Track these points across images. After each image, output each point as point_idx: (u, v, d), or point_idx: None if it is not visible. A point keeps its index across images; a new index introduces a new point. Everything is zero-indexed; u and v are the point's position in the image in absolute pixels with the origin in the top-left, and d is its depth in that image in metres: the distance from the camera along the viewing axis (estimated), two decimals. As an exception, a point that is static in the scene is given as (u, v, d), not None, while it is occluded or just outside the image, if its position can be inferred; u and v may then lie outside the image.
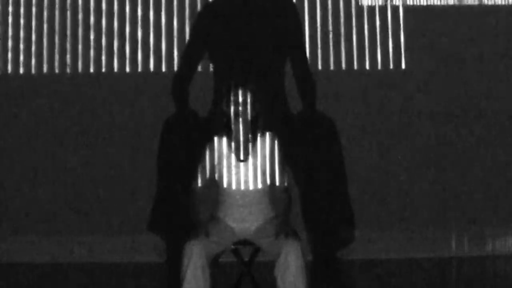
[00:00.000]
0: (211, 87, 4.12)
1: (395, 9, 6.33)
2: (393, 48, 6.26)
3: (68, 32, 6.23)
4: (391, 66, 6.29)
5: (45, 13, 6.21)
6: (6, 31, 6.19)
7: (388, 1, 6.26)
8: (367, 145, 6.34)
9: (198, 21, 4.18)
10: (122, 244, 5.83)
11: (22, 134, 6.35)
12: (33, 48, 6.22)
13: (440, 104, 6.46)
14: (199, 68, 4.23)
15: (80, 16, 6.23)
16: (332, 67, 6.19)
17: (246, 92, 3.59)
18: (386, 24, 6.28)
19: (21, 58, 6.18)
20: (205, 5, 4.33)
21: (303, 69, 4.14)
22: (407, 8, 6.33)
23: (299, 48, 4.16)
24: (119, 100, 6.35)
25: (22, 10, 6.19)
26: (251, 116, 3.60)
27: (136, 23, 6.20)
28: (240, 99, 3.59)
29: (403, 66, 6.26)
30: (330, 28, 6.15)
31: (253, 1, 4.07)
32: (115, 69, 6.22)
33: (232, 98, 3.59)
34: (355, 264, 4.66)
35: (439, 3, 6.37)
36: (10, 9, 6.19)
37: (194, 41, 4.16)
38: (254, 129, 3.61)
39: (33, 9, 6.18)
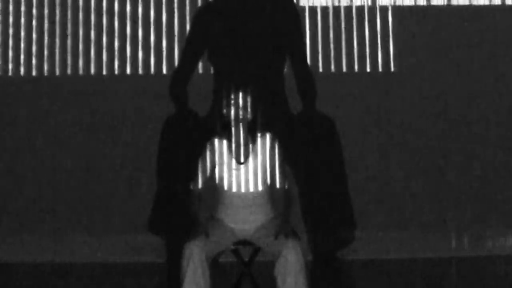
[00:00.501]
0: (210, 88, 4.12)
1: (383, 10, 6.29)
2: (382, 50, 6.23)
3: (69, 33, 6.23)
4: (380, 69, 6.27)
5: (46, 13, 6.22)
6: (6, 33, 6.20)
7: (377, 2, 6.22)
8: (368, 146, 6.34)
9: (197, 21, 4.18)
10: (122, 244, 5.83)
11: (22, 134, 6.36)
12: (33, 50, 6.22)
13: (440, 105, 6.46)
14: (199, 69, 4.23)
15: (81, 16, 6.23)
16: (321, 69, 6.16)
17: (245, 94, 3.60)
18: (375, 26, 6.24)
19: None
20: (204, 5, 4.32)
21: (303, 69, 4.14)
22: (395, 9, 6.31)
23: (299, 49, 4.16)
24: (119, 101, 6.35)
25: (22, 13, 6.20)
26: (250, 118, 3.60)
27: (137, 23, 6.20)
28: (239, 101, 3.60)
29: (392, 68, 6.25)
30: (319, 29, 6.13)
31: (252, 1, 4.07)
32: (115, 71, 6.22)
33: (231, 101, 3.59)
34: (355, 264, 4.66)
35: (426, 3, 6.34)
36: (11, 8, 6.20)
37: (193, 41, 4.16)
38: (253, 130, 3.61)
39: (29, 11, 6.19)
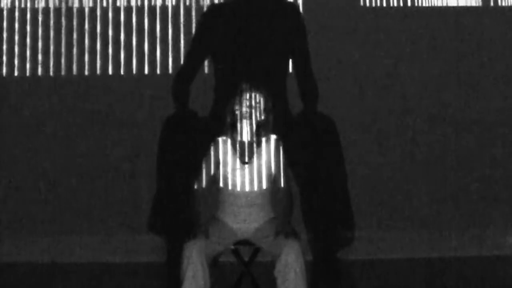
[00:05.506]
0: (211, 88, 4.12)
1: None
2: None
3: (68, 36, 6.24)
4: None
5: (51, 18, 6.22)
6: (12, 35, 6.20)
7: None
8: (368, 146, 6.34)
9: (202, 22, 4.18)
10: (122, 244, 5.83)
11: (22, 134, 6.35)
12: (38, 50, 6.22)
13: (439, 105, 6.47)
14: (205, 69, 4.24)
15: (87, 13, 6.23)
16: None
17: (258, 95, 3.60)
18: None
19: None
20: (210, 7, 4.34)
21: (305, 71, 4.14)
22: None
23: (301, 50, 4.16)
24: (119, 101, 6.35)
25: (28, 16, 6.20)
26: (259, 119, 3.59)
27: (143, 21, 6.21)
28: (252, 102, 3.59)
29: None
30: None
31: (256, 3, 4.08)
32: (121, 72, 6.23)
33: (244, 100, 3.59)
34: (355, 264, 4.67)
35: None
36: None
37: (198, 42, 4.16)
38: (260, 132, 3.61)
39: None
